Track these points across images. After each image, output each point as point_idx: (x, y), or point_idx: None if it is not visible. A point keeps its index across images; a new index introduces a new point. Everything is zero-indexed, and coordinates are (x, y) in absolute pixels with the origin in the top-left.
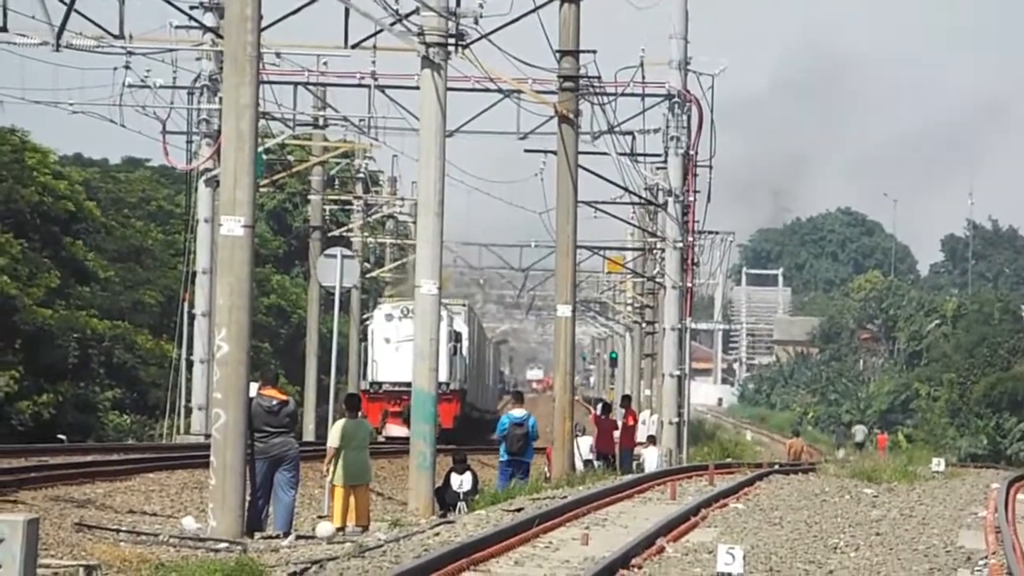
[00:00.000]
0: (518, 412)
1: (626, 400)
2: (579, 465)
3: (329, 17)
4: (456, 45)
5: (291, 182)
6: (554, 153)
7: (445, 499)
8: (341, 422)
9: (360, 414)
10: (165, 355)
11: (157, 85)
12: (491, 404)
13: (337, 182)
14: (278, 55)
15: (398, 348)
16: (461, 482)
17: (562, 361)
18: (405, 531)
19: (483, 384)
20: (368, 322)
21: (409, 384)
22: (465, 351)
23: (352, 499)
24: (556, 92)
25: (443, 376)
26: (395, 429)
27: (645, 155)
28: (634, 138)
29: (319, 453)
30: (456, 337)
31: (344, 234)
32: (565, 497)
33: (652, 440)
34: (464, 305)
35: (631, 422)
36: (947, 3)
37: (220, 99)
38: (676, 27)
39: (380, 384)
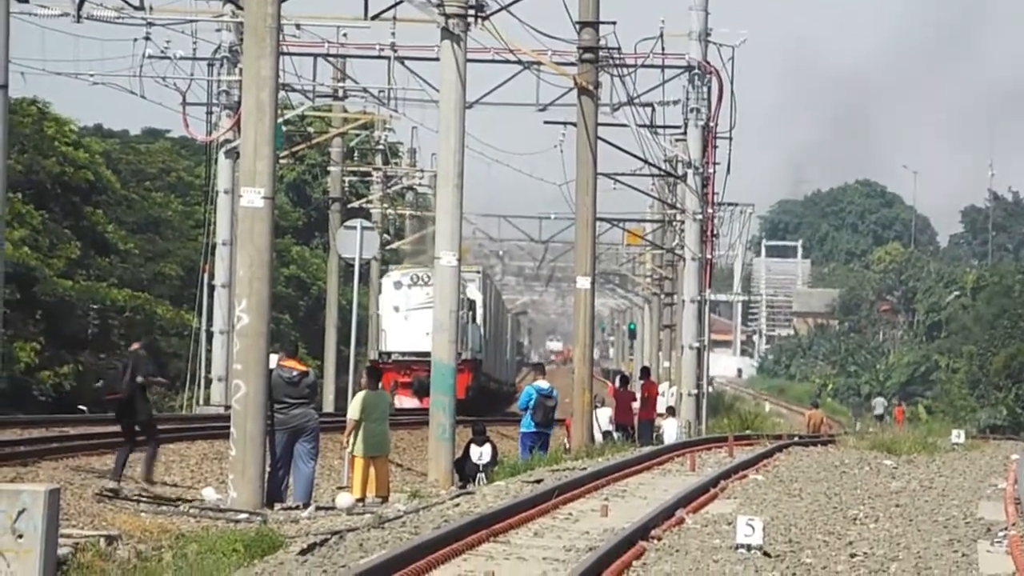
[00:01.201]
0: (544, 384)
1: (645, 372)
2: (598, 437)
3: None
4: (476, 16)
5: (311, 154)
6: (574, 125)
7: (464, 470)
8: (361, 394)
9: (380, 386)
10: (185, 326)
11: (177, 56)
12: (509, 375)
13: (356, 154)
14: (298, 27)
15: (407, 317)
16: (480, 454)
17: (581, 333)
18: (425, 502)
19: (500, 354)
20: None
21: (419, 354)
22: (479, 319)
23: (372, 470)
24: (576, 64)
25: None
26: (405, 401)
27: (665, 127)
28: (654, 110)
29: (339, 424)
30: (469, 305)
31: (364, 206)
32: (585, 468)
33: (671, 412)
34: (478, 272)
35: (646, 394)
36: None
37: (240, 70)
38: None
39: (389, 354)
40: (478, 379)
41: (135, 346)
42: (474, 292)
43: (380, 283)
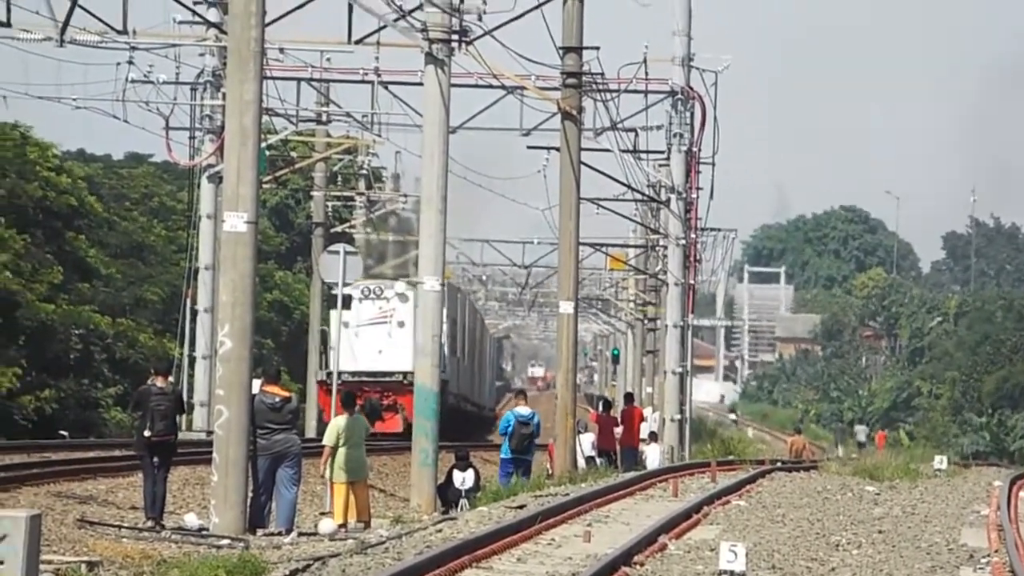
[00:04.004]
0: (524, 410)
1: (628, 398)
2: (581, 462)
3: (333, 13)
4: (460, 41)
5: (294, 178)
6: (557, 150)
7: (447, 496)
8: (337, 419)
9: (356, 410)
10: (167, 351)
11: (160, 81)
12: (486, 399)
13: (340, 178)
14: (281, 51)
15: (358, 333)
16: (463, 479)
17: (564, 358)
18: (407, 528)
19: (477, 375)
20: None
21: (371, 374)
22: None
23: (351, 495)
24: (559, 88)
25: (408, 364)
26: None
27: (648, 152)
28: (637, 135)
29: (321, 450)
30: None
31: (347, 230)
32: (567, 494)
33: (654, 437)
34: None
35: (629, 419)
36: None
37: (223, 95)
38: (679, 23)
39: (338, 374)
40: (443, 401)
41: (162, 381)
42: None
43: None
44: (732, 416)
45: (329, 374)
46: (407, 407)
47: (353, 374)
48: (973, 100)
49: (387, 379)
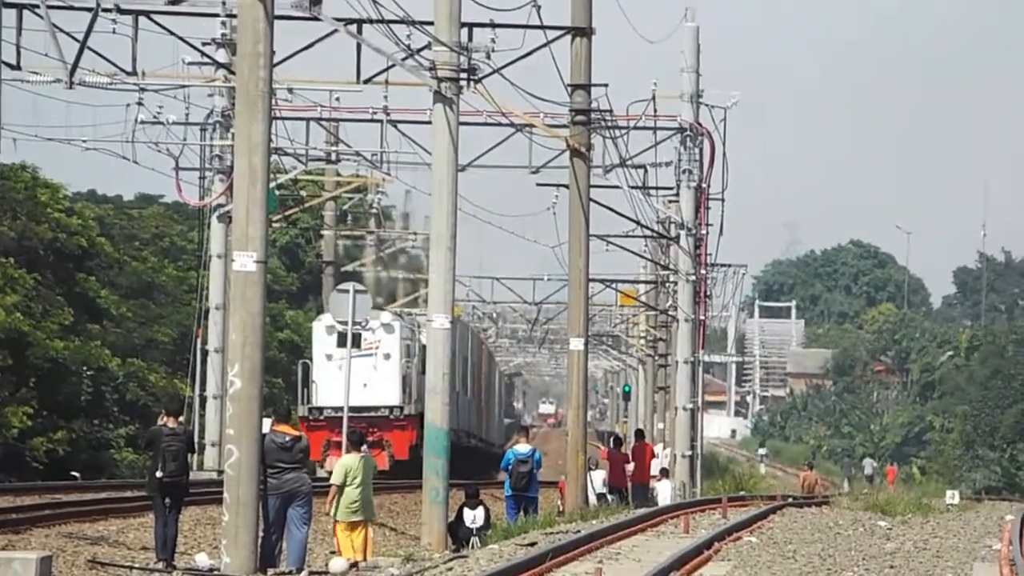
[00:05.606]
0: (523, 448)
1: (639, 434)
2: (592, 499)
3: (341, 53)
4: (468, 80)
5: (304, 217)
6: (566, 187)
7: (458, 534)
8: (346, 459)
9: (364, 449)
10: (178, 392)
11: (170, 121)
12: (494, 434)
13: (350, 217)
14: (290, 91)
15: (342, 366)
16: (474, 517)
17: (575, 394)
18: (418, 566)
19: (484, 411)
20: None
21: (355, 409)
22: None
23: (357, 533)
24: (568, 126)
25: (394, 398)
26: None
27: (657, 188)
28: (646, 171)
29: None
30: (411, 352)
31: (357, 269)
32: (578, 531)
33: (665, 473)
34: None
35: (640, 456)
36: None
37: (232, 135)
38: (688, 60)
39: (321, 409)
40: None
41: (173, 422)
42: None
43: (312, 327)
44: (762, 451)
45: (311, 409)
46: (394, 443)
47: (337, 409)
48: (984, 136)
49: (372, 414)
